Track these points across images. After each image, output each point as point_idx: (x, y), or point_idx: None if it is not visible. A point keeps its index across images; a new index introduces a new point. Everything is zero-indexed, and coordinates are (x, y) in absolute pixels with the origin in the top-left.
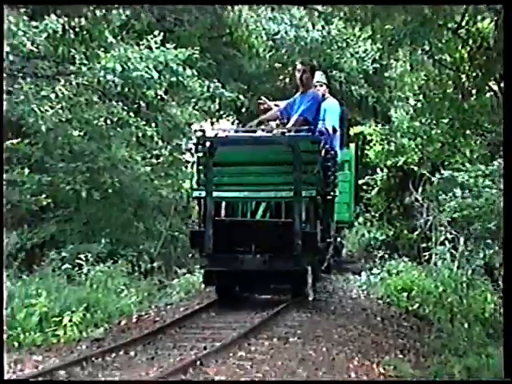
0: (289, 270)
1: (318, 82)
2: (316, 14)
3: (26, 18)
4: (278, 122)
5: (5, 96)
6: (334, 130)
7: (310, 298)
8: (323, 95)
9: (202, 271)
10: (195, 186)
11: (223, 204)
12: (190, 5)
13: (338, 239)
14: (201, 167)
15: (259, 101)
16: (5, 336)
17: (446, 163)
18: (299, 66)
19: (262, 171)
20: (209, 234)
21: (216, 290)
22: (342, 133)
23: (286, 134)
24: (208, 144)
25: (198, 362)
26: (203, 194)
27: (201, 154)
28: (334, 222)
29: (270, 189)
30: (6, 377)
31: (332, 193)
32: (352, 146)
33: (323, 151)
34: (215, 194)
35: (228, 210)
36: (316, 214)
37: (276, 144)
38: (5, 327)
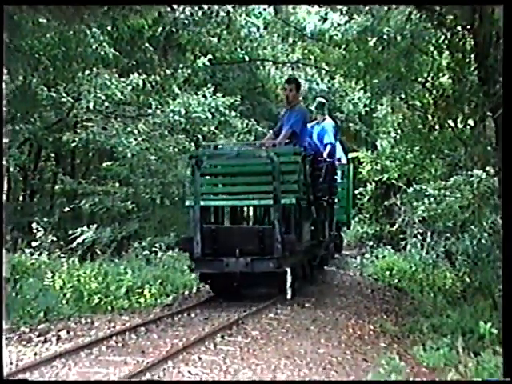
0: (269, 271)
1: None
2: (324, 72)
3: (116, 75)
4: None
5: (101, 131)
6: (333, 146)
7: (289, 297)
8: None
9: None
10: (187, 196)
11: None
12: (193, 5)
13: (342, 234)
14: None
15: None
16: (102, 302)
17: (417, 178)
18: (286, 85)
19: (245, 181)
20: (197, 240)
21: (210, 287)
22: (341, 143)
23: (269, 147)
24: (196, 157)
25: (240, 321)
26: (192, 202)
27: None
28: (332, 222)
29: (253, 197)
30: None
31: (324, 198)
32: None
33: (308, 161)
34: (204, 202)
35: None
36: (298, 219)
37: (257, 157)
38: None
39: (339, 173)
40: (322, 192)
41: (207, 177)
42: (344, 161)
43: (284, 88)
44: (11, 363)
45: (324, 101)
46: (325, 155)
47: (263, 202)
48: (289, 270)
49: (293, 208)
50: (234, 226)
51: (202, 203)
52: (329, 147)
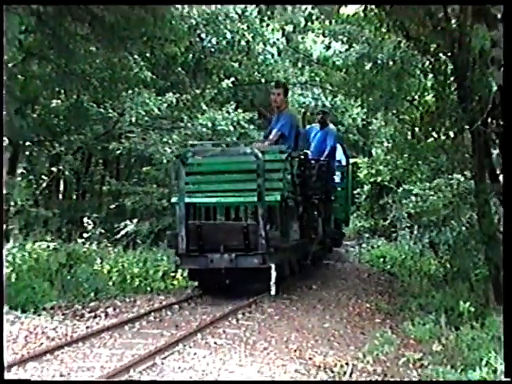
0: (253, 267)
1: (321, 110)
2: (328, 91)
3: (154, 94)
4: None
5: (141, 141)
6: (334, 149)
7: (273, 293)
8: (325, 121)
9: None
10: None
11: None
12: (191, 4)
13: (343, 230)
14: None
15: None
16: (142, 284)
17: (406, 181)
18: (274, 90)
19: (230, 179)
20: (181, 236)
21: (199, 284)
22: (343, 147)
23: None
24: (181, 156)
25: (258, 301)
26: (177, 199)
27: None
28: (330, 219)
29: (238, 195)
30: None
31: (316, 196)
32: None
33: (296, 162)
34: (190, 199)
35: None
36: (284, 217)
37: (241, 155)
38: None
39: (339, 174)
40: (313, 191)
41: (193, 174)
42: (344, 163)
43: (272, 92)
44: (66, 335)
45: (326, 109)
46: (323, 157)
47: (248, 199)
48: (273, 266)
49: (278, 205)
50: (219, 222)
51: (187, 200)
52: (328, 149)
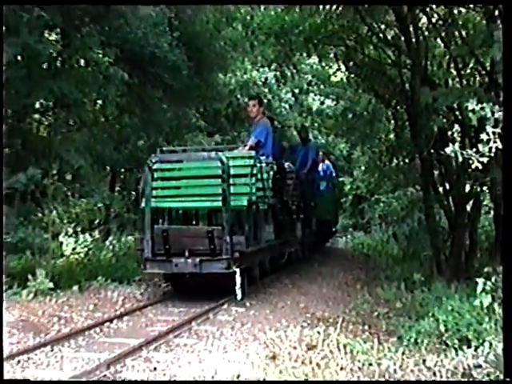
0: (217, 272)
1: (302, 127)
2: (323, 132)
3: (206, 136)
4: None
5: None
6: (315, 162)
7: (238, 298)
8: (306, 138)
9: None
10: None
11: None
12: (192, 5)
13: (333, 229)
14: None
15: None
16: None
17: (376, 192)
18: (250, 102)
19: (197, 184)
20: (147, 240)
21: (171, 285)
22: (332, 162)
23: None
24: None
25: (278, 275)
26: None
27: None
28: (310, 222)
29: (204, 199)
30: None
31: (293, 202)
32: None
33: (270, 168)
34: (156, 204)
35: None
36: (255, 221)
37: (207, 160)
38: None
39: (325, 183)
40: (291, 198)
41: (159, 180)
42: (333, 174)
43: (248, 105)
44: (149, 298)
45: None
46: (306, 169)
47: (214, 203)
48: (238, 270)
49: (245, 210)
50: (184, 226)
51: (153, 205)
52: (310, 162)
